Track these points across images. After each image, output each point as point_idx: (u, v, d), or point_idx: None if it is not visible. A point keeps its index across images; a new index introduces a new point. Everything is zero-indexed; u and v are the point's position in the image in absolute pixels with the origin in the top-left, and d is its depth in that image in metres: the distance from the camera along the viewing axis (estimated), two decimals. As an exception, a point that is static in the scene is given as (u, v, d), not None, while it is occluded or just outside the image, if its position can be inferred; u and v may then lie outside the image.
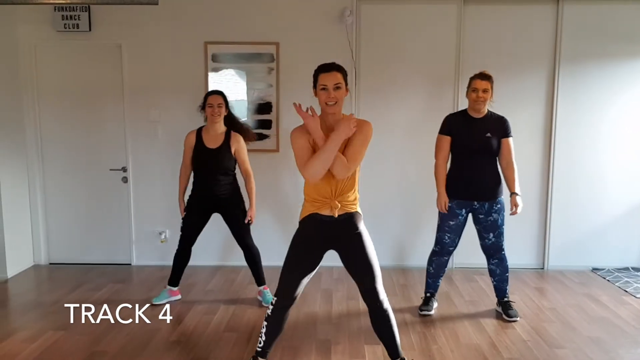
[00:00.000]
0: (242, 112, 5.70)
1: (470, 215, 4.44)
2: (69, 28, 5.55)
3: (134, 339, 4.01)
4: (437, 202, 4.44)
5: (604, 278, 5.48)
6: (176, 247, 4.76)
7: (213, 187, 4.58)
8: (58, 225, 5.95)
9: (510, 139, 4.34)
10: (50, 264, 5.98)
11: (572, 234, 5.76)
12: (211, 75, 5.65)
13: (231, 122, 4.73)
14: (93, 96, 5.73)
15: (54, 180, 5.88)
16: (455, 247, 4.52)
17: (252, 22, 5.59)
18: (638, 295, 4.95)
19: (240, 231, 4.69)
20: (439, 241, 4.51)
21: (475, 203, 4.34)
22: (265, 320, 3.32)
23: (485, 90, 4.26)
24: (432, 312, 4.52)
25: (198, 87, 5.62)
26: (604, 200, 5.74)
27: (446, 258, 4.55)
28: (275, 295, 3.31)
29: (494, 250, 4.42)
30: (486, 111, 4.37)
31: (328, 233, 3.24)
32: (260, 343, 3.35)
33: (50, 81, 5.74)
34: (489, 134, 4.28)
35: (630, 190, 5.74)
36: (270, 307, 3.31)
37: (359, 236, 3.25)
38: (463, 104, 5.52)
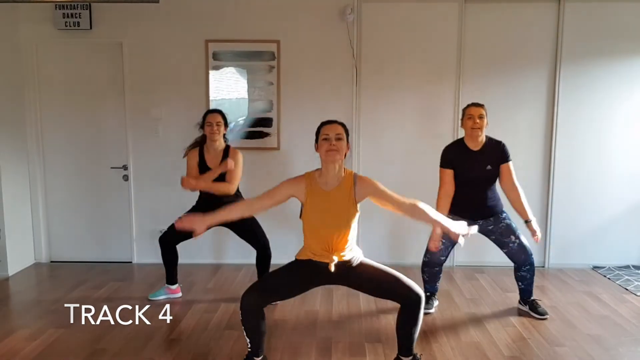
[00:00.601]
0: (243, 110, 5.71)
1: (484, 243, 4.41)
2: (70, 26, 5.54)
3: (135, 337, 4.01)
4: (429, 242, 4.28)
5: (605, 276, 5.48)
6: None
7: (217, 203, 4.58)
8: (59, 223, 5.96)
9: (510, 163, 4.29)
10: (52, 262, 5.98)
11: (572, 232, 5.76)
12: (212, 73, 5.65)
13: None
14: (94, 94, 5.74)
15: (55, 178, 5.88)
16: (446, 257, 4.49)
17: (253, 20, 5.58)
18: (638, 293, 4.95)
19: (255, 234, 4.70)
20: (429, 249, 4.38)
21: (480, 221, 4.31)
22: (242, 324, 3.28)
23: (480, 117, 4.22)
24: (433, 311, 4.52)
25: (199, 85, 5.62)
26: (604, 198, 5.74)
27: (437, 269, 4.51)
28: (248, 295, 3.23)
29: (524, 255, 4.33)
30: (484, 139, 4.30)
31: (326, 277, 3.28)
32: (248, 345, 3.34)
33: (51, 79, 5.74)
34: (489, 167, 4.26)
35: (630, 188, 5.74)
36: (242, 313, 3.24)
37: (359, 266, 3.31)
38: (464, 103, 5.52)
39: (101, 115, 5.78)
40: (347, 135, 3.29)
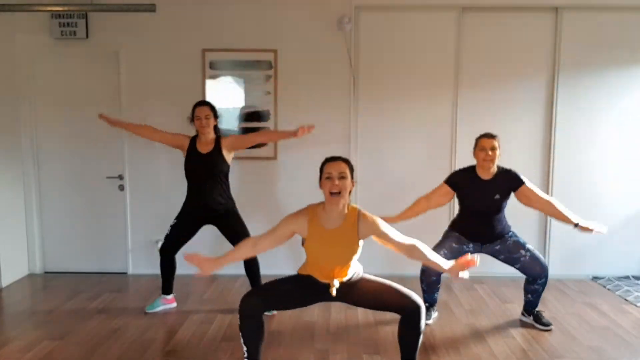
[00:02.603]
0: (240, 120, 5.68)
1: (484, 254, 4.35)
2: (66, 35, 5.52)
3: (130, 349, 3.96)
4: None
5: (604, 287, 5.45)
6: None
7: (206, 196, 4.57)
8: (54, 234, 5.90)
9: (527, 184, 4.27)
10: (46, 272, 5.92)
11: (571, 242, 5.72)
12: (209, 83, 5.63)
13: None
14: (90, 103, 5.69)
15: (50, 187, 5.84)
16: None
17: (250, 30, 5.57)
18: (638, 304, 4.92)
19: (240, 239, 4.64)
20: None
21: (486, 245, 4.34)
22: (240, 330, 3.27)
23: (493, 149, 4.21)
24: (431, 322, 4.48)
25: (195, 94, 5.59)
26: (603, 208, 5.70)
27: (434, 278, 4.44)
28: (248, 298, 3.25)
29: (539, 267, 4.27)
30: (495, 170, 4.30)
31: (326, 294, 3.27)
32: (245, 354, 3.32)
33: (47, 88, 5.71)
34: (497, 196, 4.26)
35: (630, 198, 5.72)
36: (240, 317, 3.25)
37: (359, 281, 3.30)
38: (461, 112, 5.52)
39: (97, 124, 5.69)
40: (352, 171, 3.24)
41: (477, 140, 4.33)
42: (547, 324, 4.36)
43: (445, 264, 3.24)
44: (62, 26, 5.51)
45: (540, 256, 4.34)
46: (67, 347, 3.98)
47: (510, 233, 4.35)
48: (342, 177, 3.14)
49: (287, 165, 5.70)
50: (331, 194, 3.14)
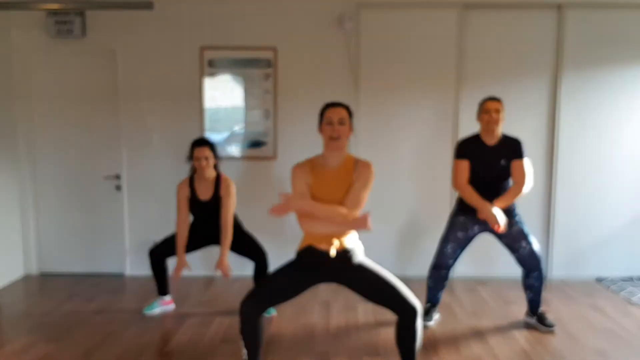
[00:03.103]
0: (239, 119, 5.63)
1: (488, 234, 4.33)
2: (63, 33, 5.46)
3: (127, 351, 3.92)
4: (487, 218, 4.11)
5: (609, 288, 5.39)
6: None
7: (210, 234, 4.59)
8: (50, 235, 5.84)
9: (524, 161, 4.23)
10: (42, 274, 5.87)
11: (575, 243, 5.68)
12: (207, 81, 5.57)
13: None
14: (87, 102, 5.65)
15: (46, 188, 5.78)
16: (455, 260, 4.41)
17: (250, 27, 5.52)
18: (643, 306, 4.88)
19: (256, 253, 4.65)
20: (439, 253, 4.41)
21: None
22: (241, 332, 3.22)
23: (497, 111, 4.18)
24: (432, 323, 4.42)
25: (194, 93, 5.55)
26: (607, 209, 5.66)
27: (445, 272, 4.43)
28: (248, 300, 3.19)
29: (534, 261, 4.27)
30: (500, 135, 4.26)
31: (326, 269, 3.23)
32: (244, 356, 3.27)
33: (43, 87, 5.65)
34: (503, 161, 4.22)
35: (634, 199, 5.67)
36: (241, 317, 3.19)
37: (359, 266, 3.24)
38: (463, 110, 5.47)
39: (94, 123, 5.69)
40: (351, 117, 3.26)
41: (481, 103, 4.30)
42: (550, 325, 4.32)
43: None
44: (59, 24, 5.44)
45: (538, 252, 4.31)
46: (63, 350, 3.94)
47: (518, 217, 4.29)
48: (341, 123, 3.18)
49: (287, 165, 5.63)
50: (331, 138, 3.17)
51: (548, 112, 5.59)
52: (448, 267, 4.41)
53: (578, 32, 5.47)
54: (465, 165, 4.27)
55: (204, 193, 4.51)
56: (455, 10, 5.47)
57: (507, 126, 5.41)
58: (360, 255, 3.28)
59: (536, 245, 4.30)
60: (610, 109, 5.56)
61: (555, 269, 5.71)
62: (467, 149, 4.31)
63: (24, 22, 5.52)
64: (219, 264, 4.41)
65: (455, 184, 4.33)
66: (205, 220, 4.59)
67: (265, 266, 4.65)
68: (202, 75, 5.57)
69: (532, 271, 4.31)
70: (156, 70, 5.58)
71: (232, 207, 4.52)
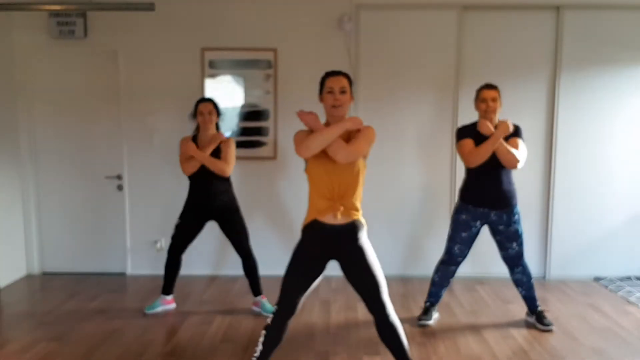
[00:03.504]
0: (239, 118, 5.66)
1: (486, 227, 4.37)
2: (65, 34, 5.49)
3: (129, 350, 3.94)
4: (497, 131, 4.12)
5: (606, 287, 5.42)
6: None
7: (209, 194, 4.55)
8: (52, 234, 5.87)
9: (519, 140, 4.23)
10: (44, 273, 5.89)
11: (573, 243, 5.70)
12: (208, 82, 5.60)
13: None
14: (88, 103, 5.68)
15: (48, 187, 5.81)
16: (464, 258, 4.45)
17: (250, 29, 5.54)
18: (641, 305, 4.90)
19: (239, 238, 4.65)
20: (448, 251, 4.45)
21: (492, 215, 4.27)
22: (265, 329, 3.23)
23: (494, 99, 4.20)
24: (431, 322, 4.45)
25: (195, 93, 5.56)
26: (605, 208, 5.69)
27: (454, 268, 4.47)
28: (277, 304, 3.23)
29: (517, 259, 4.37)
30: (497, 122, 4.26)
31: (329, 243, 3.21)
32: (256, 352, 3.25)
33: (45, 88, 5.68)
34: None
35: (632, 198, 5.69)
36: (271, 316, 3.23)
37: (360, 250, 3.22)
38: (463, 110, 5.49)
39: (96, 124, 5.72)
40: (351, 85, 3.29)
41: (478, 91, 4.32)
42: (548, 324, 4.34)
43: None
44: (61, 25, 5.48)
45: (523, 250, 4.38)
46: (65, 349, 3.96)
47: (518, 215, 4.31)
48: (342, 92, 3.21)
49: (287, 165, 5.67)
50: (333, 107, 3.20)
51: (546, 113, 5.61)
52: (457, 264, 4.46)
53: (576, 33, 5.49)
54: (468, 142, 4.24)
55: (206, 148, 4.52)
56: (455, 11, 5.49)
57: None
58: (363, 235, 3.26)
59: (523, 247, 4.37)
60: (608, 110, 5.58)
61: (554, 268, 5.73)
62: (467, 133, 4.29)
63: (26, 23, 5.54)
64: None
65: (467, 159, 4.26)
66: (204, 176, 4.53)
67: (251, 265, 4.68)
68: (203, 76, 5.60)
69: (516, 266, 4.39)
70: (157, 71, 5.60)
71: (231, 157, 4.55)
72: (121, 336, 4.20)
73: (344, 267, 3.28)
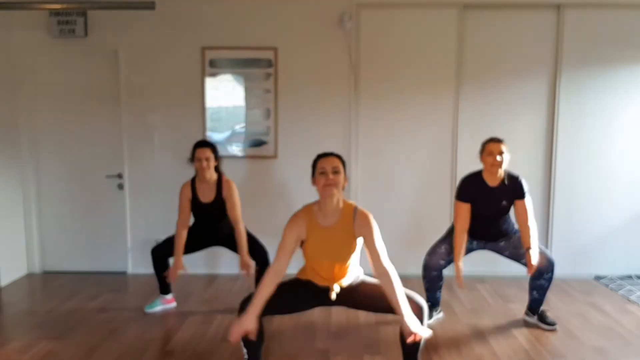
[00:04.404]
0: (240, 118, 5.65)
1: (487, 251, 4.40)
2: (65, 33, 5.49)
3: (129, 349, 3.94)
4: (455, 274, 4.22)
5: (607, 286, 5.42)
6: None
7: (214, 231, 4.64)
8: (52, 233, 5.88)
9: (526, 200, 4.20)
10: (45, 272, 5.90)
11: (574, 241, 5.70)
12: (208, 81, 5.60)
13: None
14: (89, 102, 5.68)
15: (49, 187, 5.81)
16: (447, 263, 4.37)
17: (250, 28, 5.54)
18: (641, 304, 4.90)
19: (252, 247, 4.65)
20: (431, 251, 4.40)
21: (489, 244, 4.36)
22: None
23: (500, 153, 4.13)
24: (431, 322, 4.44)
25: (195, 92, 5.58)
26: (606, 207, 5.68)
27: (435, 273, 4.39)
28: (246, 303, 3.21)
29: (545, 261, 4.23)
30: (502, 174, 4.22)
31: (326, 298, 3.26)
32: (245, 355, 3.29)
33: (45, 87, 5.68)
34: (504, 202, 4.23)
35: (633, 197, 5.69)
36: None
37: (361, 284, 3.29)
38: (463, 110, 5.49)
39: (96, 123, 5.72)
40: (344, 166, 3.24)
41: (484, 144, 4.25)
42: (552, 324, 4.33)
43: (404, 312, 3.02)
44: (61, 24, 5.48)
45: (546, 250, 4.33)
46: (66, 347, 3.96)
47: (516, 231, 4.31)
48: (335, 172, 3.16)
49: (287, 164, 5.66)
50: (325, 187, 3.14)
51: (547, 112, 5.60)
52: (438, 269, 4.37)
53: (577, 32, 5.48)
54: (466, 208, 4.24)
55: (206, 195, 4.53)
56: (455, 10, 5.48)
57: (507, 126, 5.47)
58: (360, 277, 3.33)
59: (542, 246, 4.29)
60: (608, 109, 5.57)
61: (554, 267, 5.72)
62: (469, 191, 4.26)
63: (26, 22, 5.54)
64: (243, 265, 4.49)
65: (455, 224, 4.31)
66: (206, 223, 4.63)
67: (267, 265, 4.66)
68: (203, 75, 5.59)
69: (546, 272, 4.27)
70: (158, 70, 5.60)
71: (237, 204, 4.54)
72: (122, 335, 4.19)
73: (354, 307, 3.38)
